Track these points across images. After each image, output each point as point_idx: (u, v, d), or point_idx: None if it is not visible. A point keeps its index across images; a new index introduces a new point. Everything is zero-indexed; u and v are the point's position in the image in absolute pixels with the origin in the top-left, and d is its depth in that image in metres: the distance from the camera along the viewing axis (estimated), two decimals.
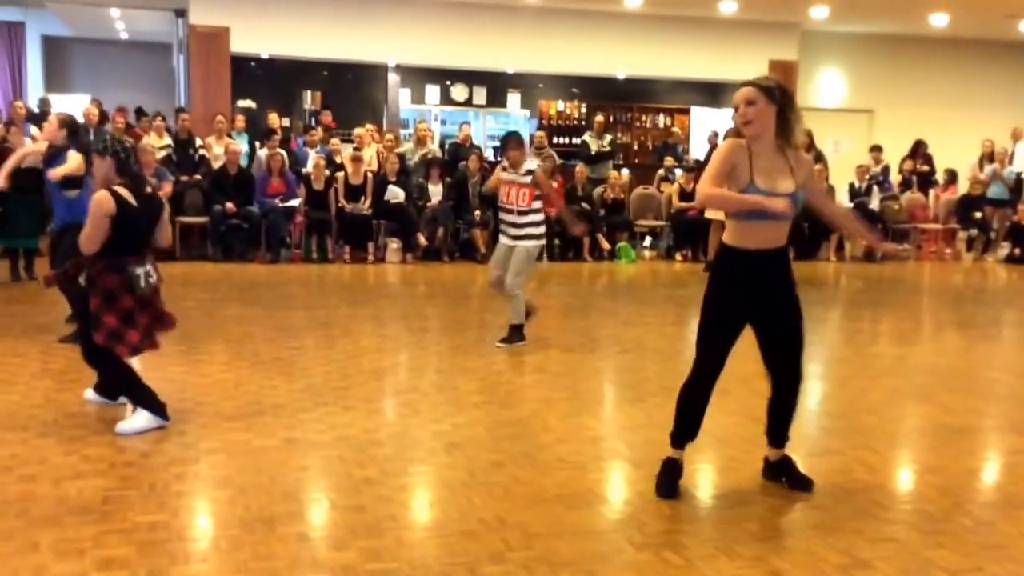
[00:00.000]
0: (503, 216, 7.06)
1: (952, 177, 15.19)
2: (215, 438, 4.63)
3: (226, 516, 3.69)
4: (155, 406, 4.75)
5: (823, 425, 5.30)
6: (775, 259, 3.91)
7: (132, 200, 4.70)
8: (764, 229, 3.83)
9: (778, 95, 3.86)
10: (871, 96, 17.04)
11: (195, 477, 4.13)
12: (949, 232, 14.78)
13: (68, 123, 6.82)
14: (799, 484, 4.14)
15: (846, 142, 16.55)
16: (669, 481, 4.01)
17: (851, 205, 14.01)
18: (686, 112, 17.89)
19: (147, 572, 3.18)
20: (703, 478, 4.33)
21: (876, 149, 14.85)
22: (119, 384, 4.88)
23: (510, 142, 7.05)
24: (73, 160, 6.50)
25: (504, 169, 7.04)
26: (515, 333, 7.00)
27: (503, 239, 7.08)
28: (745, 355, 7.19)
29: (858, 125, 17.00)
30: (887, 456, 4.80)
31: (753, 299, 3.91)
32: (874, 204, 14.13)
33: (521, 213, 6.93)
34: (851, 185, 14.26)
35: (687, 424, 4.04)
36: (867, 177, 14.23)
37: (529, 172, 6.90)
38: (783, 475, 4.19)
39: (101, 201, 4.61)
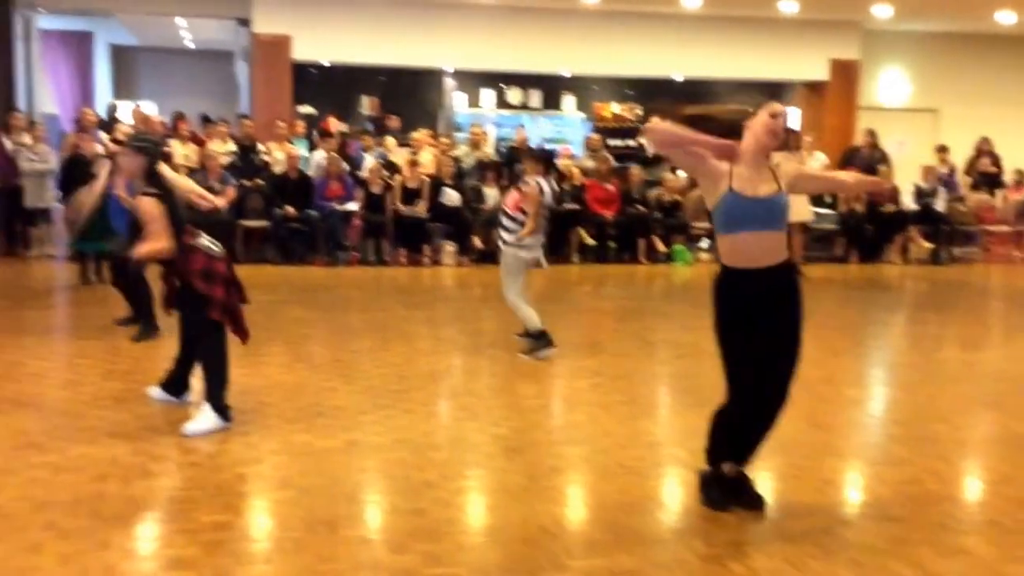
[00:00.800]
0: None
1: (1021, 178, 14.79)
2: (277, 439, 4.69)
3: (289, 517, 3.73)
4: (223, 405, 4.85)
5: (890, 433, 5.20)
6: (773, 278, 3.74)
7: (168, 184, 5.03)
8: (749, 244, 3.70)
9: None
10: (935, 95, 16.66)
11: (259, 478, 4.18)
12: (1018, 234, 14.40)
13: None
14: (754, 503, 3.90)
15: (910, 142, 16.22)
16: (722, 496, 3.88)
17: (916, 207, 13.77)
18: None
19: (213, 572, 3.23)
20: (768, 487, 4.25)
21: (942, 149, 14.55)
22: (211, 374, 4.90)
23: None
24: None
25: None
26: (537, 339, 6.65)
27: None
28: (807, 360, 7.07)
29: (922, 125, 16.63)
30: (958, 466, 4.70)
31: (754, 317, 3.73)
32: (940, 205, 13.83)
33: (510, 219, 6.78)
34: (916, 186, 13.99)
35: (733, 441, 3.89)
36: (933, 178, 13.94)
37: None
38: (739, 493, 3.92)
39: (154, 207, 4.81)
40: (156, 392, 5.30)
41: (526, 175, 6.90)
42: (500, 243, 6.86)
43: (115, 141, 5.77)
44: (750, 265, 3.71)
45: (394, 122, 13.97)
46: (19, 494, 3.87)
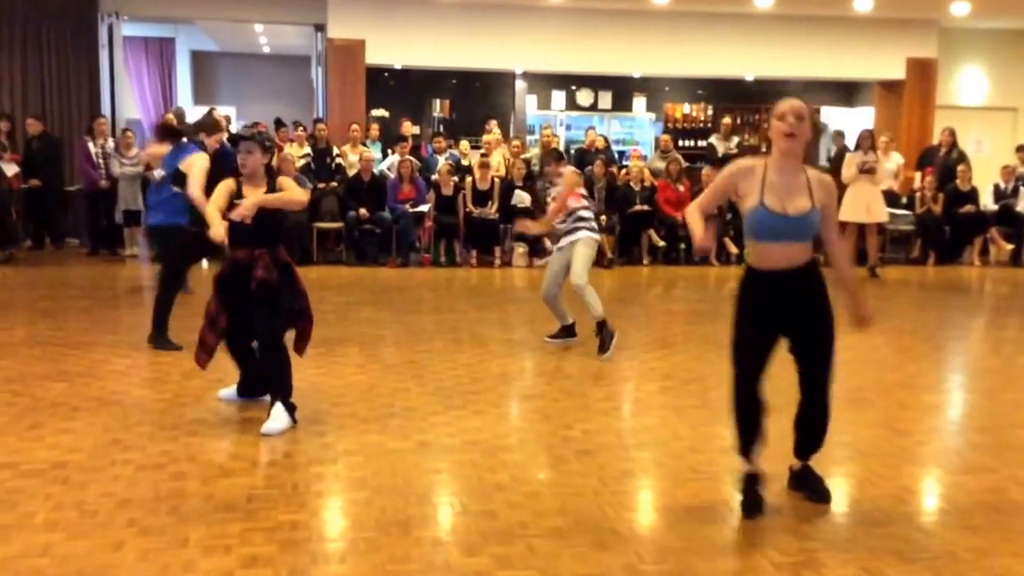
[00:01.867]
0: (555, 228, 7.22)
1: None
2: (351, 439, 4.75)
3: (363, 517, 3.79)
4: (291, 404, 4.94)
5: (971, 440, 5.05)
6: (796, 277, 3.80)
7: None
8: (776, 252, 3.76)
9: (815, 124, 3.83)
10: (1015, 94, 16.16)
11: (334, 478, 4.25)
12: None
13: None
14: (817, 496, 4.01)
15: (989, 141, 15.78)
16: (751, 499, 3.88)
17: (996, 207, 13.39)
18: (817, 112, 17.44)
19: (289, 571, 3.28)
20: (844, 493, 4.18)
21: (1022, 149, 14.09)
22: (284, 375, 4.97)
23: (545, 159, 7.32)
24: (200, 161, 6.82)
25: (551, 184, 7.23)
26: (605, 333, 6.83)
27: (555, 245, 7.17)
28: (884, 364, 6.95)
29: (1001, 124, 16.16)
30: None
31: (778, 316, 3.82)
32: (1021, 206, 13.41)
33: (568, 215, 7.04)
34: (996, 186, 13.59)
35: (744, 432, 3.93)
36: (1013, 178, 13.53)
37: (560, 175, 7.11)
38: (804, 486, 4.07)
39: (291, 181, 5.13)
40: (230, 394, 5.41)
41: (556, 180, 7.17)
42: (573, 237, 7.01)
43: (236, 138, 5.80)
44: (775, 267, 3.78)
45: (492, 126, 14.09)
46: (103, 490, 3.99)
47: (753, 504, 3.86)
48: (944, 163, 13.58)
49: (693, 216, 3.94)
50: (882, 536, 3.67)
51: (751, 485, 3.92)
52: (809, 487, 4.05)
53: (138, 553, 3.39)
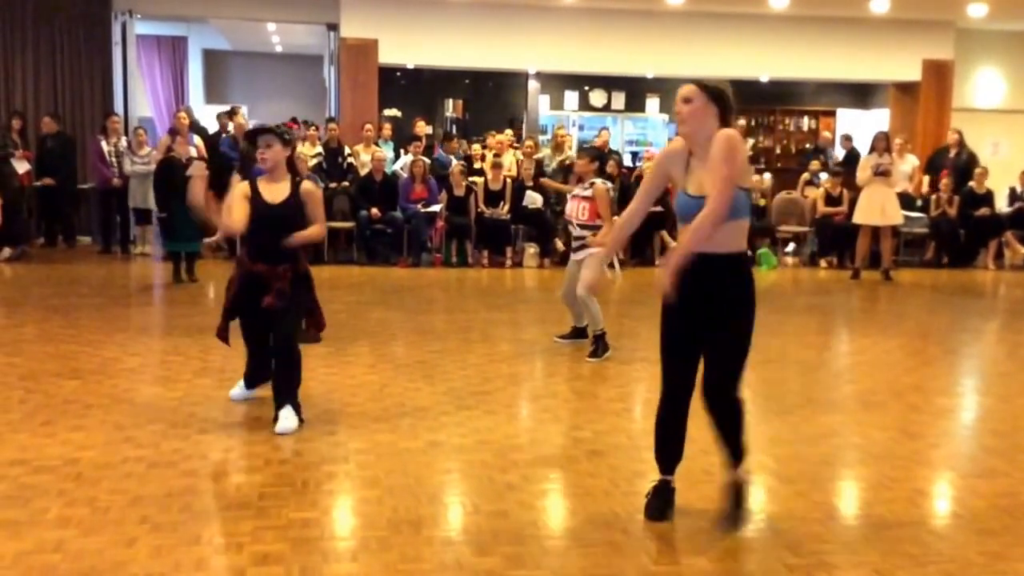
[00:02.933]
0: (571, 231, 7.18)
1: None
2: (363, 439, 4.75)
3: (374, 516, 3.78)
4: (297, 403, 4.95)
5: (985, 444, 5.02)
6: (719, 265, 3.55)
7: None
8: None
9: (722, 98, 3.73)
10: None
11: (345, 476, 4.24)
12: None
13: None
14: (724, 518, 3.73)
15: (1005, 144, 15.69)
16: (659, 503, 3.79)
17: (1010, 209, 13.33)
18: (831, 114, 17.39)
19: (300, 569, 3.28)
20: (858, 496, 4.17)
21: None
22: (295, 378, 4.96)
23: (580, 154, 7.24)
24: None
25: (579, 181, 7.14)
26: (600, 343, 6.79)
27: (573, 255, 7.07)
28: (897, 367, 6.92)
29: (1018, 126, 16.05)
30: None
31: (700, 308, 3.57)
32: None
33: (582, 227, 6.95)
34: (1012, 190, 13.53)
35: (665, 449, 3.83)
36: None
37: (591, 184, 6.93)
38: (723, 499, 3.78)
39: (318, 191, 5.09)
40: (237, 393, 5.40)
41: (584, 179, 7.03)
42: (574, 252, 7.01)
43: (253, 132, 5.63)
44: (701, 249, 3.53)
45: (509, 133, 14.11)
46: (114, 487, 3.99)
47: (663, 510, 3.76)
48: (954, 164, 13.52)
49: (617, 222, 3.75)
50: (894, 539, 3.64)
51: (666, 493, 3.81)
52: (724, 501, 3.77)
53: (150, 550, 3.39)
